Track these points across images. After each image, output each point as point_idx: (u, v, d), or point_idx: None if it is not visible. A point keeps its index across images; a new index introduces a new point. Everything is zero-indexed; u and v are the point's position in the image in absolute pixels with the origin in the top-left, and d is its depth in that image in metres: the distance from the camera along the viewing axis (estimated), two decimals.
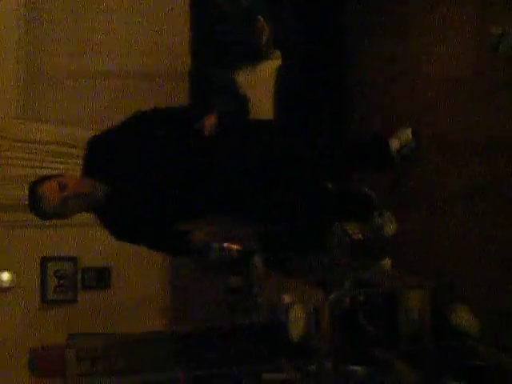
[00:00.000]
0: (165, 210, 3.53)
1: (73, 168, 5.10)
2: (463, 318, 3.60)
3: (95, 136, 3.55)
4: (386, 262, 4.18)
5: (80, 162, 4.97)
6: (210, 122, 3.64)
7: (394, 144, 4.06)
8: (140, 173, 3.45)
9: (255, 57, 4.96)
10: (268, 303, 4.61)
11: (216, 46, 5.06)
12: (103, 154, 3.47)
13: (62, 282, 5.35)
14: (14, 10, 5.21)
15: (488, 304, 3.55)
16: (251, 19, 4.96)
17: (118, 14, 5.33)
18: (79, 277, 5.42)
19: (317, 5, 4.72)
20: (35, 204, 3.31)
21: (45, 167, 5.14)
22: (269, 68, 4.91)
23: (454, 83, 3.84)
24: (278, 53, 4.91)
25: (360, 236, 4.39)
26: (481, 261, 3.61)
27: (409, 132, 4.06)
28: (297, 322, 3.96)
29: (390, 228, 4.22)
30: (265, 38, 4.93)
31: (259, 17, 4.92)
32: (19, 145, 5.15)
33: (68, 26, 5.27)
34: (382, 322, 3.78)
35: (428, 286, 3.73)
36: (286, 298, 4.26)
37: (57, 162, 5.17)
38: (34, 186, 3.33)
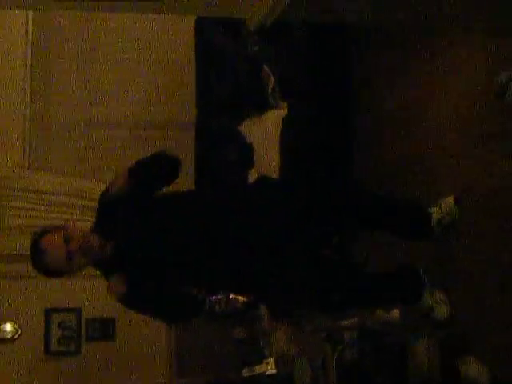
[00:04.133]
0: (177, 272, 3.35)
1: (78, 219, 5.12)
2: (473, 369, 3.53)
3: (106, 191, 3.40)
4: (395, 313, 4.11)
5: (86, 212, 5.03)
6: None
7: (435, 214, 3.68)
8: (150, 233, 3.28)
9: (261, 107, 4.97)
10: (275, 355, 4.56)
11: (221, 95, 5.09)
12: (114, 210, 3.29)
13: (65, 333, 5.29)
14: (21, 57, 5.25)
15: (499, 355, 3.48)
16: (256, 68, 5.00)
17: (125, 64, 5.36)
18: (83, 328, 5.35)
19: (324, 57, 4.74)
20: (37, 258, 3.11)
21: (48, 218, 5.12)
22: (275, 118, 4.92)
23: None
24: (284, 103, 4.92)
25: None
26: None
27: (451, 200, 3.70)
28: (303, 374, 3.91)
29: (443, 310, 3.69)
30: (270, 87, 4.94)
31: (265, 66, 4.95)
32: (22, 194, 5.14)
33: (76, 75, 5.30)
34: (391, 373, 3.71)
35: (438, 336, 3.67)
36: (293, 350, 4.21)
37: (61, 213, 5.15)
38: (37, 239, 3.13)
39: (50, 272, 3.16)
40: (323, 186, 3.68)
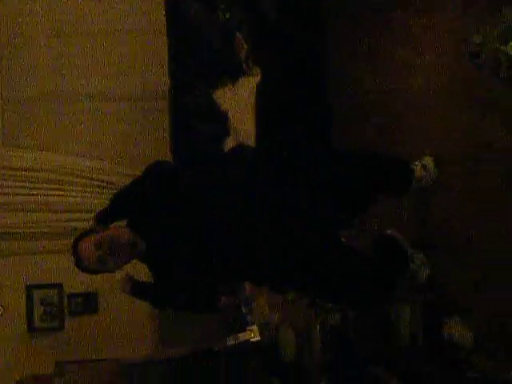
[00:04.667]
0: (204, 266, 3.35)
1: (60, 194, 5.09)
2: (456, 330, 3.56)
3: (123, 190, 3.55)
4: None
5: (66, 187, 5.02)
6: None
7: (418, 171, 3.74)
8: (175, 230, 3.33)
9: (234, 74, 4.92)
10: (259, 322, 4.57)
11: (194, 63, 5.03)
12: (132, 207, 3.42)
13: (48, 309, 5.27)
14: None
15: (482, 314, 3.52)
16: (229, 36, 4.94)
17: (97, 36, 5.27)
18: (66, 303, 5.34)
19: (297, 22, 4.68)
20: (78, 262, 3.26)
21: (30, 194, 5.09)
22: (249, 84, 4.87)
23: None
24: (257, 69, 4.87)
25: None
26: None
27: (430, 160, 3.76)
28: (288, 342, 3.92)
29: (425, 272, 3.76)
30: (244, 54, 4.89)
31: (237, 33, 4.89)
32: (2, 172, 5.08)
33: (46, 48, 5.21)
34: (375, 338, 3.74)
35: (419, 299, 3.70)
36: (277, 318, 4.22)
37: (43, 189, 5.11)
38: (75, 244, 3.28)
39: (89, 272, 3.32)
40: (303, 152, 3.65)
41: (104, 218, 3.46)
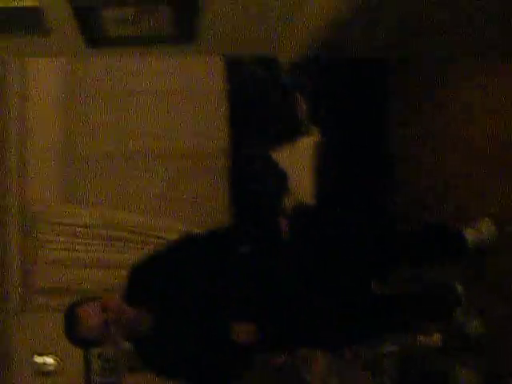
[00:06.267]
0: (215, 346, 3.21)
1: (118, 251, 5.16)
2: None
3: (139, 263, 3.35)
4: (436, 337, 4.07)
5: (124, 243, 5.07)
6: (284, 225, 3.45)
7: (471, 236, 3.66)
8: (190, 303, 3.21)
9: (293, 134, 4.98)
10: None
11: (254, 124, 5.10)
12: (149, 281, 3.25)
13: (105, 365, 5.30)
14: (56, 95, 5.29)
15: None
16: (288, 96, 5.00)
17: (157, 96, 5.38)
18: (124, 359, 5.36)
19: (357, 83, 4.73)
20: (71, 326, 3.05)
21: (86, 251, 5.15)
22: (307, 145, 4.92)
23: None
24: (315, 129, 4.92)
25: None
26: None
27: (488, 222, 3.68)
28: None
29: (475, 326, 3.68)
30: (302, 114, 4.95)
31: (296, 94, 4.96)
32: (59, 228, 5.17)
33: (109, 110, 5.33)
34: None
35: (482, 365, 3.63)
36: (333, 379, 4.19)
37: (99, 245, 5.17)
38: (73, 307, 3.09)
39: (82, 342, 3.13)
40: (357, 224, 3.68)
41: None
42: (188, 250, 3.33)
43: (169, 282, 3.23)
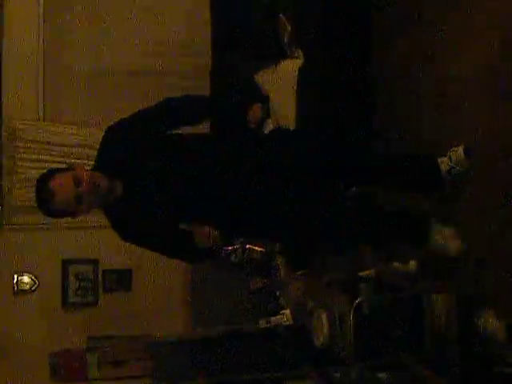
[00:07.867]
0: (179, 210, 3.26)
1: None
2: (490, 323, 3.51)
3: (112, 126, 3.26)
4: (412, 264, 4.08)
5: None
6: (255, 113, 3.51)
7: (444, 164, 3.62)
8: (158, 169, 3.18)
9: (277, 56, 4.89)
10: (292, 306, 4.56)
11: (237, 45, 5.01)
12: (119, 146, 3.18)
13: (82, 284, 5.33)
14: (33, 10, 5.19)
15: None
16: (272, 17, 4.90)
17: (140, 12, 5.28)
18: (100, 279, 5.38)
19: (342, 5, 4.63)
20: (45, 200, 3.00)
21: None
22: (291, 67, 4.83)
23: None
24: (300, 52, 4.83)
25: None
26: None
27: (460, 150, 3.60)
28: (321, 327, 3.89)
29: (455, 245, 3.56)
30: (286, 36, 4.85)
31: (281, 15, 4.86)
32: (37, 146, 5.12)
33: (88, 25, 5.24)
34: (407, 326, 3.70)
35: (455, 290, 3.65)
36: (310, 303, 4.20)
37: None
38: (44, 180, 3.01)
39: (55, 213, 3.09)
40: (335, 144, 3.63)
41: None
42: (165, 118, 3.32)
43: (141, 149, 3.19)
